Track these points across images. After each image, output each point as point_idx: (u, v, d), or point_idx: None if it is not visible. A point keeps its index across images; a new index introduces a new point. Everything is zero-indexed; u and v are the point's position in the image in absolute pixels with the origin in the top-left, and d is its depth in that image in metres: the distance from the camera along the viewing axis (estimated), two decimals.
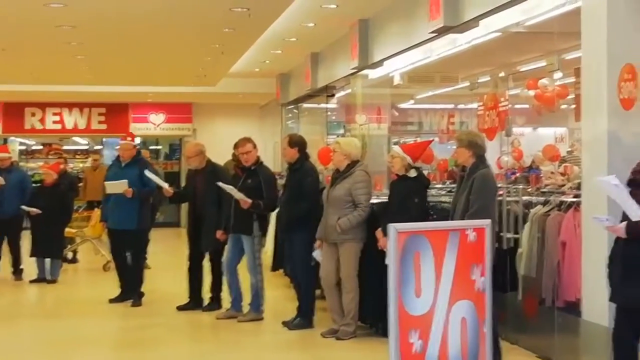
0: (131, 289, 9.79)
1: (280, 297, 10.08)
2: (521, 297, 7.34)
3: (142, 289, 9.87)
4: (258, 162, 8.77)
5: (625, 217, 4.73)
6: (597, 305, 6.07)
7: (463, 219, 6.20)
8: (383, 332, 7.35)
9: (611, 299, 4.91)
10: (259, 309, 8.78)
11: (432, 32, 8.91)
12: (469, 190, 6.32)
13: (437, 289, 4.42)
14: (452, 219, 6.48)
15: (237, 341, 8.11)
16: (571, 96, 11.24)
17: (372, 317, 7.92)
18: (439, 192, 9.28)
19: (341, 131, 15.56)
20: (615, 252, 4.88)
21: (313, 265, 8.22)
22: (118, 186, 9.51)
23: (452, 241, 4.49)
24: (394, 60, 11.23)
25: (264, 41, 12.94)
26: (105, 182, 9.66)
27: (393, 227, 4.30)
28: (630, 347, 4.84)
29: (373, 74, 12.44)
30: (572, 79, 9.49)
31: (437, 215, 7.74)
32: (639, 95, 6.02)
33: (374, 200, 8.18)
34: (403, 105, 15.82)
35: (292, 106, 18.33)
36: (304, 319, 8.35)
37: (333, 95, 15.27)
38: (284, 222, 8.51)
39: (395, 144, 13.18)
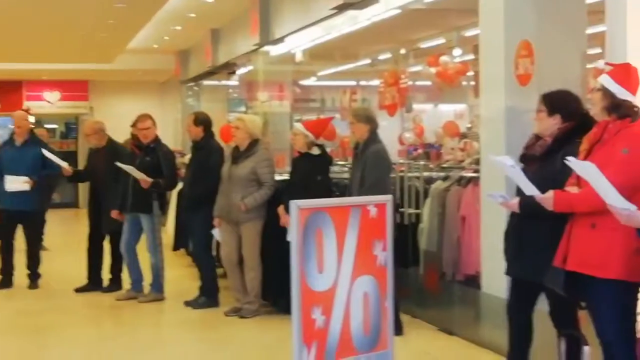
0: (30, 271, 9.55)
1: (182, 276, 9.97)
2: (423, 271, 7.43)
3: (39, 271, 9.61)
4: (156, 140, 8.62)
5: (519, 192, 4.81)
6: (496, 278, 6.17)
7: (359, 195, 6.27)
8: (286, 309, 7.29)
9: (507, 272, 5.00)
10: (160, 289, 8.66)
11: (333, 8, 8.89)
12: (363, 166, 6.37)
13: (340, 264, 4.43)
14: (350, 196, 6.56)
15: (138, 322, 7.98)
16: (471, 73, 11.44)
17: (275, 294, 7.90)
18: (342, 169, 9.32)
19: (243, 109, 15.46)
20: (510, 227, 4.96)
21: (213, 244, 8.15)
22: (18, 183, 9.18)
23: (353, 217, 4.50)
24: (295, 36, 11.18)
25: (162, 17, 12.70)
26: (6, 177, 9.28)
27: (295, 204, 4.28)
28: (523, 318, 4.94)
29: (274, 50, 12.37)
30: (472, 56, 9.65)
31: (340, 192, 7.76)
32: (535, 71, 6.12)
33: (276, 178, 8.14)
34: (305, 82, 15.80)
35: (193, 83, 18.11)
36: (208, 297, 8.29)
37: (234, 73, 15.14)
38: (188, 200, 8.40)
39: (298, 121, 13.17)
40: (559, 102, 4.79)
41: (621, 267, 4.05)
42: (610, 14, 4.90)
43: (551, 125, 4.74)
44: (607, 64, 4.26)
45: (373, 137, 6.56)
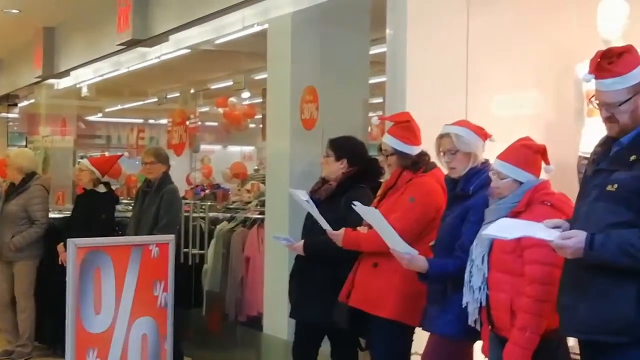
0: None
1: None
2: (205, 312, 7.38)
3: None
4: None
5: (304, 234, 4.89)
6: (278, 319, 6.23)
7: (152, 233, 6.19)
8: (62, 352, 7.02)
9: (291, 315, 5.05)
10: None
11: (120, 44, 8.76)
12: (158, 204, 6.32)
13: (118, 305, 4.34)
14: (136, 234, 6.45)
15: None
16: (259, 116, 11.61)
17: (50, 337, 7.57)
18: (126, 208, 9.12)
19: (23, 143, 14.85)
20: (295, 270, 5.03)
21: None
22: None
23: (134, 257, 4.43)
24: (82, 70, 10.91)
25: None
26: None
27: (72, 242, 4.16)
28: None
29: (59, 84, 12.00)
30: (260, 99, 9.78)
31: (123, 231, 7.59)
32: (320, 116, 6.28)
33: (56, 215, 7.87)
34: (91, 118, 15.44)
35: None
36: None
37: (15, 105, 14.56)
38: None
39: (82, 157, 12.80)
40: (346, 147, 4.92)
41: (396, 308, 4.19)
42: (390, 65, 5.12)
43: (338, 169, 4.86)
44: (379, 118, 4.44)
45: (168, 177, 6.58)
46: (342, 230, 4.42)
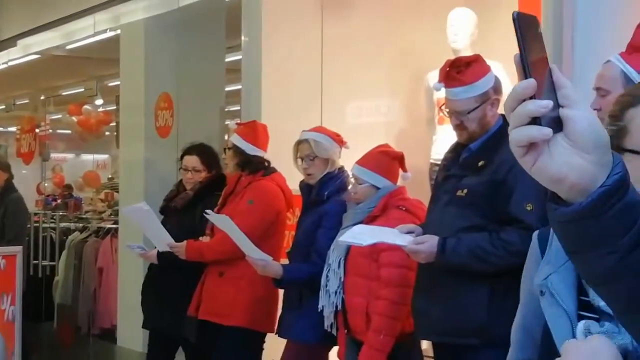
0: None
1: None
2: (57, 326, 7.16)
3: None
4: None
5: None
6: (132, 331, 6.10)
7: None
8: None
9: (144, 325, 4.95)
10: None
11: None
12: (2, 215, 6.11)
13: None
14: None
15: None
16: (113, 123, 11.35)
17: None
18: None
19: None
20: (148, 279, 4.94)
21: None
22: None
23: None
24: None
25: None
26: None
27: None
28: None
29: None
30: (115, 106, 9.57)
31: None
32: (175, 123, 6.20)
33: None
34: None
35: None
36: None
37: None
38: None
39: None
40: (212, 157, 4.85)
41: (245, 316, 4.16)
42: (245, 73, 5.11)
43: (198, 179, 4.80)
44: (237, 123, 4.44)
45: (10, 185, 6.42)
46: (184, 242, 4.35)
